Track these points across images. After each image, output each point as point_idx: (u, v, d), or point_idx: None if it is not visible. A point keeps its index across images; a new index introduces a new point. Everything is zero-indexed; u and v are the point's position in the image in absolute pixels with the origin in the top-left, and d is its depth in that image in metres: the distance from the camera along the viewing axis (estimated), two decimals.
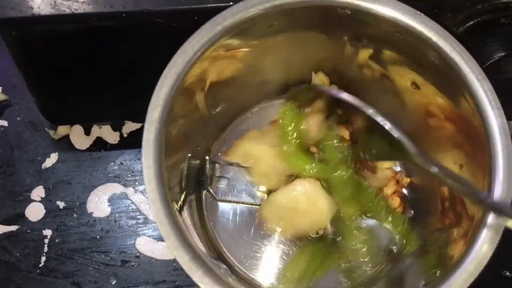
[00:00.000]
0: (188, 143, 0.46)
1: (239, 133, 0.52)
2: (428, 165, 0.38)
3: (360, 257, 0.46)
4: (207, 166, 0.50)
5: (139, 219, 0.56)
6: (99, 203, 0.57)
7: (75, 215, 0.56)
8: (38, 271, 0.54)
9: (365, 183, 0.45)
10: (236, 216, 0.50)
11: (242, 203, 0.50)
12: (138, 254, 0.55)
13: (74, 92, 0.52)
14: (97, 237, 0.56)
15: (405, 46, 0.41)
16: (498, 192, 0.36)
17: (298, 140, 0.45)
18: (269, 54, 0.46)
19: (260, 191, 0.50)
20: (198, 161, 0.50)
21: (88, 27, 0.44)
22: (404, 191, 0.50)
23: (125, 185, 0.58)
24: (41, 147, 0.59)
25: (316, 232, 0.49)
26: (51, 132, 0.59)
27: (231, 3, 0.40)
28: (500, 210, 0.34)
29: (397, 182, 0.47)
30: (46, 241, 0.55)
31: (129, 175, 0.58)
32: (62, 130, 0.59)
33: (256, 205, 0.50)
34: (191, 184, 0.48)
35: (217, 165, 0.50)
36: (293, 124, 0.45)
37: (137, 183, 0.58)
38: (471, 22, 0.46)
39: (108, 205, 0.57)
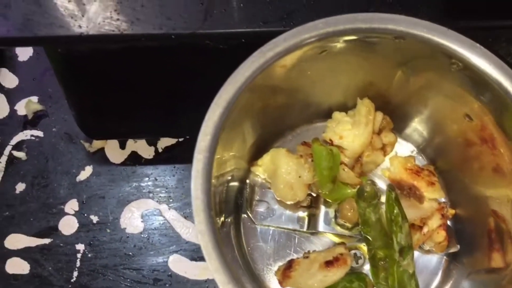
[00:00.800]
0: (231, 166, 0.45)
1: None
2: None
3: None
4: (247, 189, 0.49)
5: (172, 236, 0.56)
6: (132, 219, 0.56)
7: (108, 230, 0.56)
8: (70, 286, 0.54)
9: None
10: (274, 241, 0.49)
11: (281, 228, 0.49)
12: (170, 273, 0.54)
13: (113, 108, 0.51)
14: (130, 253, 0.55)
15: (461, 77, 0.40)
16: None
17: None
18: (316, 78, 0.45)
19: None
20: (237, 184, 0.49)
21: (134, 47, 0.43)
22: (449, 223, 0.48)
23: (158, 202, 0.57)
24: (75, 160, 0.58)
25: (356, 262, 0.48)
26: (86, 145, 0.58)
27: (283, 28, 0.39)
28: None
29: (442, 215, 0.46)
30: (79, 255, 0.55)
31: (163, 192, 0.57)
32: (97, 143, 0.58)
33: (295, 230, 0.49)
34: (229, 207, 0.47)
35: (256, 188, 0.49)
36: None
37: (170, 200, 0.57)
38: None
39: (141, 221, 0.56)
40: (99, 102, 0.51)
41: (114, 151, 0.59)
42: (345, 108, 0.49)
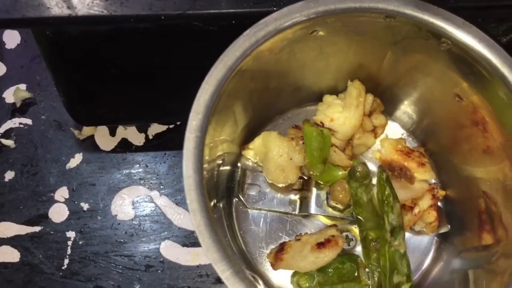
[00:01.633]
0: (222, 149, 0.44)
1: None
2: None
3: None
4: (238, 173, 0.49)
5: (163, 223, 0.55)
6: (123, 206, 0.56)
7: (99, 217, 0.55)
8: (61, 273, 0.54)
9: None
10: (266, 224, 0.49)
11: (273, 211, 0.49)
12: (162, 259, 0.54)
13: (102, 93, 0.51)
14: (121, 240, 0.55)
15: (450, 56, 0.40)
16: None
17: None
18: (307, 61, 0.45)
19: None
20: (228, 168, 0.48)
21: (123, 29, 0.43)
22: (440, 204, 0.49)
23: (149, 188, 0.57)
24: (65, 147, 0.58)
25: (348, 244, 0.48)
26: (76, 132, 0.58)
27: (273, 8, 0.39)
28: None
29: (433, 196, 0.46)
30: (70, 243, 0.54)
31: (154, 178, 0.57)
32: (87, 130, 0.58)
33: (287, 213, 0.49)
34: (221, 191, 0.47)
35: (248, 172, 0.49)
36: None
37: (162, 187, 0.57)
38: None
39: (132, 208, 0.56)
40: (88, 87, 0.50)
41: (104, 138, 0.58)
42: (336, 91, 0.50)
